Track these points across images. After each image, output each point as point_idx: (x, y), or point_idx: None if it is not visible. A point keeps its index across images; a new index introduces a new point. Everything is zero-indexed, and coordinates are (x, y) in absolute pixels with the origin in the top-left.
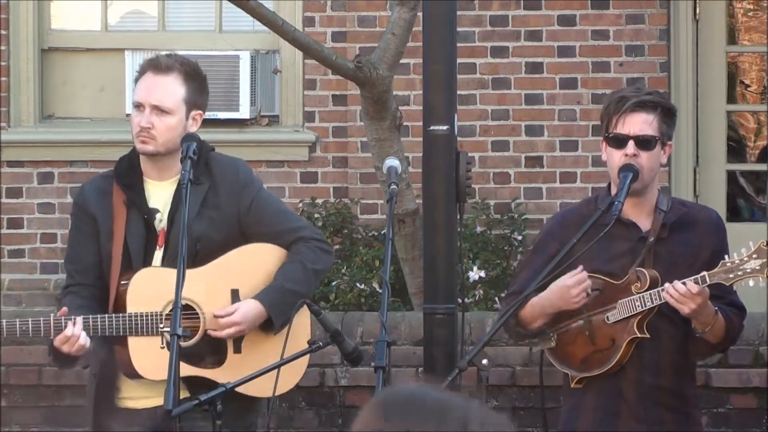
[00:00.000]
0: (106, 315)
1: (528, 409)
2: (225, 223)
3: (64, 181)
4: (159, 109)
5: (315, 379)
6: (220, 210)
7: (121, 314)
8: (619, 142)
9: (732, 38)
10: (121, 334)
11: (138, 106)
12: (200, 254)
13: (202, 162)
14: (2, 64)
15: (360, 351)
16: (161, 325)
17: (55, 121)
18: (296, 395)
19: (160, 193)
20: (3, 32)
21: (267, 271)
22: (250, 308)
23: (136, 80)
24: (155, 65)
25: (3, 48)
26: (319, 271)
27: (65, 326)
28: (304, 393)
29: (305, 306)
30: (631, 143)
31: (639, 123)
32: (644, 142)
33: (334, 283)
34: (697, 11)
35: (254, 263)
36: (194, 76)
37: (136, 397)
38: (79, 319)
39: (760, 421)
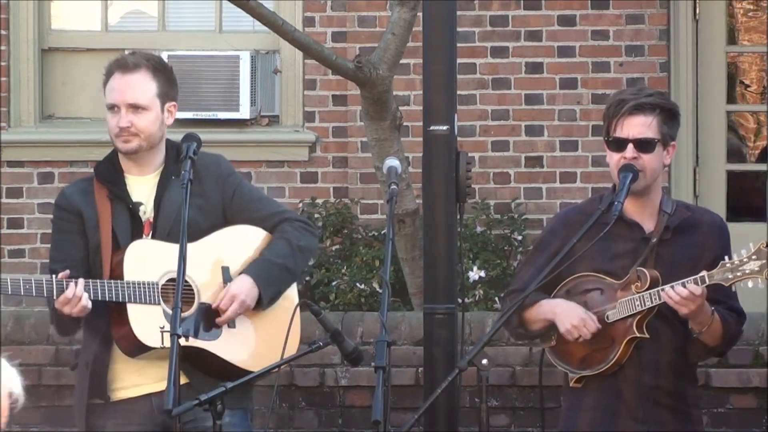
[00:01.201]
0: (106, 280)
1: (528, 409)
2: (211, 211)
3: (64, 181)
4: (135, 107)
5: (315, 379)
6: (206, 198)
7: (120, 281)
8: (618, 145)
9: (732, 38)
10: (120, 300)
11: (112, 107)
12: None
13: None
14: (2, 64)
15: (360, 351)
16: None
17: (55, 121)
18: (296, 395)
19: (141, 187)
20: (3, 32)
21: (255, 249)
22: (241, 283)
23: (105, 83)
24: (122, 65)
25: (3, 48)
26: (304, 248)
27: (67, 287)
28: (304, 393)
29: (306, 305)
30: (630, 146)
31: (637, 126)
32: (643, 145)
33: (334, 283)
34: (697, 11)
35: (242, 242)
36: (161, 69)
37: (128, 386)
38: (81, 281)
39: (760, 421)
